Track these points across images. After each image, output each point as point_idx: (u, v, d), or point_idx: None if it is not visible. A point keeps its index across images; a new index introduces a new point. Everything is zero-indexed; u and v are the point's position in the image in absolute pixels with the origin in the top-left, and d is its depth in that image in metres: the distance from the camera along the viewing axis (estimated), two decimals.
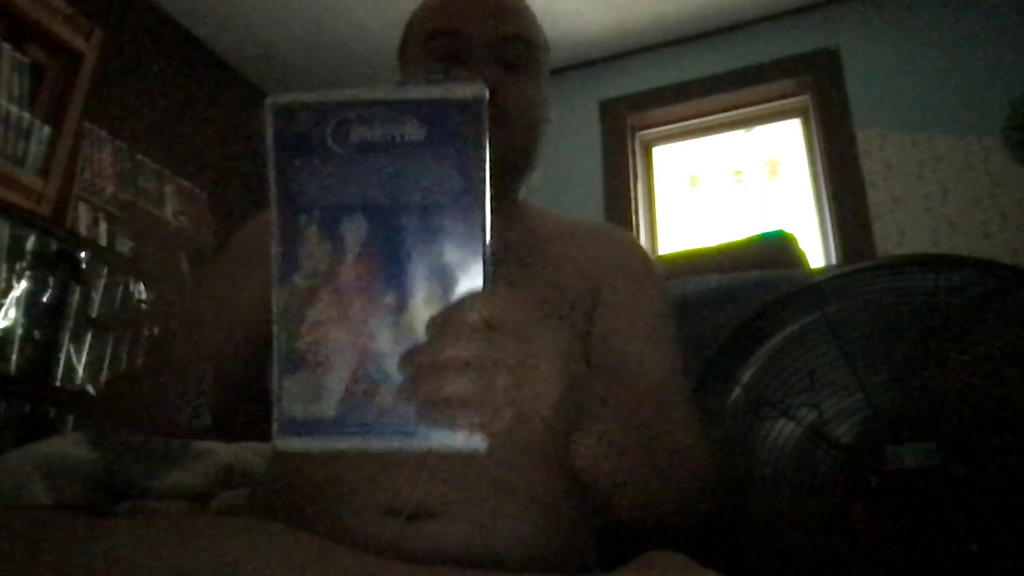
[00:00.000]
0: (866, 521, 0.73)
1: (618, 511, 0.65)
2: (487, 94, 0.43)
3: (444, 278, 0.43)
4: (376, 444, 0.43)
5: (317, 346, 0.43)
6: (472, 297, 0.42)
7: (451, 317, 0.41)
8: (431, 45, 0.82)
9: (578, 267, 0.81)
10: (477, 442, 0.43)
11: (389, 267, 0.43)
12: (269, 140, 0.44)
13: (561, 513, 0.68)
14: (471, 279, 0.43)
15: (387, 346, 0.43)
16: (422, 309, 0.43)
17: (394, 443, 0.43)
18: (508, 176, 0.83)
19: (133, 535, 0.47)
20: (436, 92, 0.43)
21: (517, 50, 0.82)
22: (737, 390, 0.84)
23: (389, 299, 0.43)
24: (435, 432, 0.43)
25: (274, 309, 0.43)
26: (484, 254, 0.43)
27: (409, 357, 0.42)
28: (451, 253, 0.43)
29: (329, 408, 0.43)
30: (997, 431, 0.72)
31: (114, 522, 0.49)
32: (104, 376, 2.04)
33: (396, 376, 0.43)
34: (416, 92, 0.43)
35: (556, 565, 0.65)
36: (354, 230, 0.44)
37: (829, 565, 0.74)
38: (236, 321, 0.78)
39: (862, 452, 0.75)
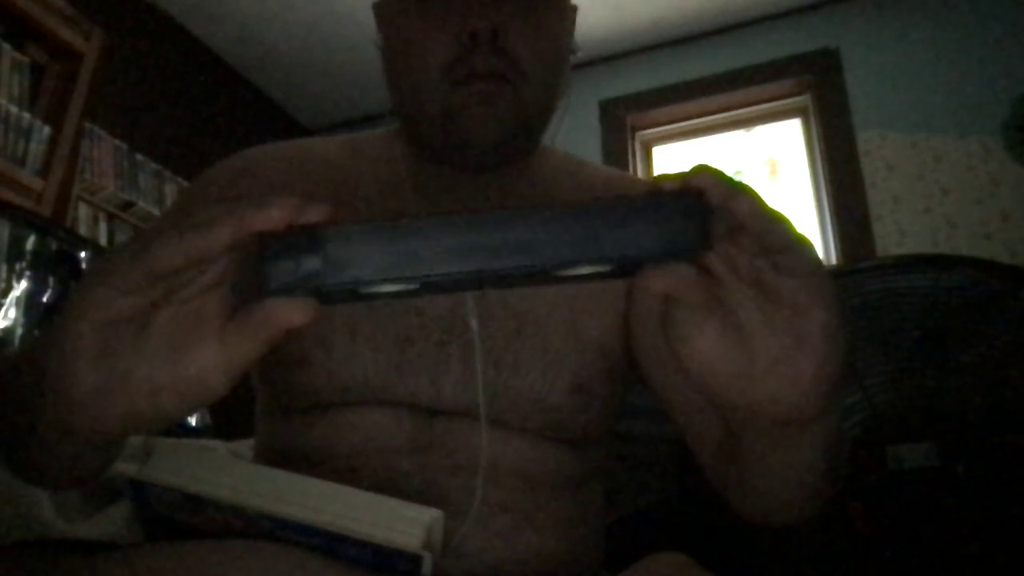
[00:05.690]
0: (866, 521, 0.73)
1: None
2: (429, 559, 0.44)
3: None
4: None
5: None
6: None
7: None
8: None
9: None
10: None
11: None
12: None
13: (575, 522, 0.65)
14: None
15: None
16: None
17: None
18: (520, 136, 0.67)
19: (168, 563, 0.45)
20: (379, 534, 0.44)
21: None
22: None
23: None
24: None
25: None
26: None
27: None
28: None
29: None
30: (997, 431, 0.72)
31: (148, 548, 0.46)
32: None
33: None
34: (356, 523, 0.45)
35: (567, 571, 0.63)
36: None
37: (829, 565, 0.74)
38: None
39: (862, 452, 0.75)
